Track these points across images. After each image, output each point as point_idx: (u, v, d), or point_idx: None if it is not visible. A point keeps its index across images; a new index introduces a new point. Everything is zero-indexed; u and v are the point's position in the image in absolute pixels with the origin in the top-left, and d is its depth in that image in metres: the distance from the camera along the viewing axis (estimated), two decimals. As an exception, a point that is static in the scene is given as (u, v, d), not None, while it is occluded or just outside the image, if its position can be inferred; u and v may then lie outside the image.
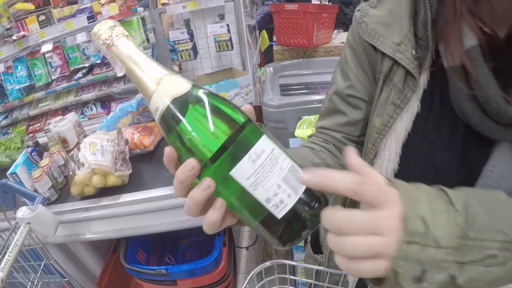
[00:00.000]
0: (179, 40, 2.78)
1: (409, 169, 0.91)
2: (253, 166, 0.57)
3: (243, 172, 0.57)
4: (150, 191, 2.04)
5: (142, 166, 2.27)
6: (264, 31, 4.50)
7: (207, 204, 0.60)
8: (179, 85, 0.60)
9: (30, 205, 1.88)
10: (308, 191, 0.60)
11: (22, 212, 1.81)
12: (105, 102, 3.13)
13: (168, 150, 0.60)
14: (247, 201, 0.59)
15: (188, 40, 2.79)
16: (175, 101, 0.59)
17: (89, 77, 2.94)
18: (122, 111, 2.45)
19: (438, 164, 0.87)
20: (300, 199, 0.59)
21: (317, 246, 1.39)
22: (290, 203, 0.59)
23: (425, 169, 0.89)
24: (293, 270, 2.35)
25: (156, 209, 2.02)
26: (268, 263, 1.20)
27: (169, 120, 0.59)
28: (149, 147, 2.30)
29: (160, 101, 0.59)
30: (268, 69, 3.07)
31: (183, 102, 0.59)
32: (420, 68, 0.85)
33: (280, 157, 0.60)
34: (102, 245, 2.76)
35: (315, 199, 0.62)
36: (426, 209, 0.59)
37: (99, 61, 2.87)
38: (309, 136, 1.19)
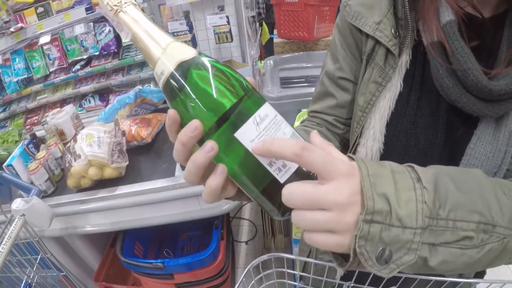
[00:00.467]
0: (178, 32, 2.76)
1: (393, 149, 0.93)
2: (257, 129, 0.57)
3: (247, 134, 0.57)
4: (147, 183, 2.01)
5: (140, 158, 2.25)
6: (264, 24, 4.49)
7: (207, 171, 0.59)
8: (185, 51, 0.60)
9: (26, 197, 1.85)
10: None
11: (17, 204, 1.80)
12: (103, 94, 3.11)
13: (172, 113, 0.59)
14: (250, 165, 0.59)
15: (187, 32, 2.76)
16: (181, 65, 0.59)
17: (87, 69, 2.92)
18: (120, 102, 2.42)
19: (421, 143, 0.89)
20: None
21: None
22: (293, 167, 0.59)
23: (408, 149, 0.91)
24: (292, 264, 2.32)
25: (153, 201, 1.99)
26: (265, 256, 1.18)
27: (174, 84, 0.59)
28: (146, 139, 2.27)
29: (166, 65, 0.59)
30: (268, 62, 3.05)
31: (189, 67, 0.59)
32: (401, 47, 0.87)
33: (282, 124, 0.60)
34: (99, 238, 2.74)
35: None
36: (390, 186, 0.56)
37: (97, 53, 2.85)
38: (302, 122, 1.20)
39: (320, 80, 1.13)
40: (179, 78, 0.58)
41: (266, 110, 0.59)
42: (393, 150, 0.93)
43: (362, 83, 0.95)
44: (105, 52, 2.85)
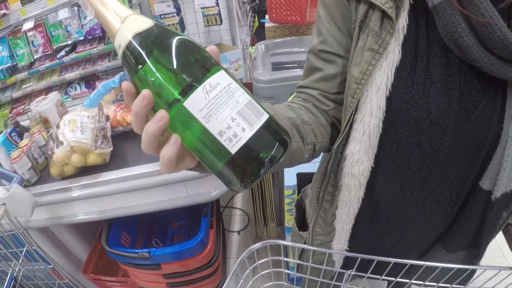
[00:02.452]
0: (165, 14, 2.70)
1: (403, 124, 0.86)
2: (206, 97, 0.57)
3: (196, 103, 0.57)
4: (132, 168, 1.95)
5: (125, 145, 2.19)
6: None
7: (164, 142, 0.59)
8: (142, 22, 0.61)
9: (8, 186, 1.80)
10: (267, 125, 0.60)
11: (-3, 192, 1.74)
12: (89, 81, 3.05)
13: (124, 84, 0.60)
14: (201, 136, 0.58)
15: (175, 14, 2.71)
16: (136, 35, 0.60)
17: (73, 55, 2.84)
18: (105, 87, 2.37)
19: (433, 114, 0.83)
20: (256, 133, 0.58)
21: (303, 224, 1.39)
22: (244, 137, 0.57)
23: (420, 121, 0.84)
24: (285, 253, 2.27)
25: (139, 187, 1.93)
26: (259, 244, 1.14)
27: (128, 55, 0.60)
28: (131, 123, 2.20)
29: (123, 37, 0.60)
30: (259, 46, 2.97)
31: (144, 36, 0.60)
32: (398, 10, 0.81)
33: (237, 92, 0.59)
34: (87, 230, 2.70)
35: (275, 133, 0.61)
36: None
37: (82, 38, 2.77)
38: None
39: (306, 57, 1.08)
40: (133, 49, 0.59)
41: (218, 78, 0.58)
42: (401, 124, 0.86)
43: (356, 52, 0.88)
44: (90, 37, 2.77)
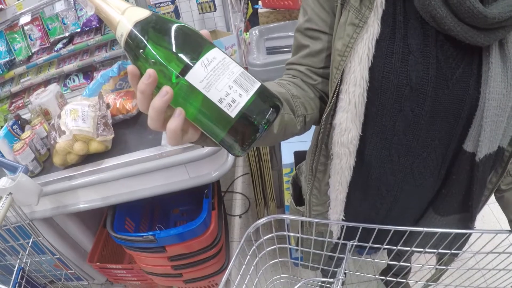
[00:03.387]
0: (160, 3, 2.73)
1: (385, 91, 0.93)
2: (205, 70, 0.63)
3: (197, 76, 0.63)
4: (134, 153, 1.99)
5: (126, 132, 2.22)
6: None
7: (169, 117, 0.65)
8: (141, 12, 0.67)
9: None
10: (260, 92, 0.66)
11: (3, 182, 1.78)
12: (87, 72, 3.07)
13: (130, 67, 0.65)
14: (203, 105, 0.65)
15: (170, 3, 2.73)
16: (136, 24, 0.66)
17: (70, 47, 2.87)
18: (104, 77, 2.39)
19: (413, 81, 0.89)
20: (251, 98, 0.64)
21: (300, 200, 1.45)
22: (241, 102, 0.64)
23: (401, 88, 0.91)
24: (287, 230, 2.32)
25: (141, 171, 1.97)
26: (265, 219, 1.20)
27: (130, 42, 0.66)
28: (132, 111, 2.24)
29: (124, 26, 0.66)
30: (253, 31, 2.98)
31: (143, 24, 0.66)
32: None
33: (231, 64, 0.65)
34: (91, 219, 2.73)
35: (267, 99, 0.68)
36: None
37: (79, 30, 2.80)
38: None
39: (294, 36, 1.13)
40: (135, 36, 0.65)
41: (214, 54, 0.65)
42: (384, 92, 0.93)
43: (339, 27, 0.94)
44: (87, 28, 2.80)
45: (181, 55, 0.64)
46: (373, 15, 0.88)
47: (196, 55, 0.64)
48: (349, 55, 0.93)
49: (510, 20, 0.77)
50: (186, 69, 0.63)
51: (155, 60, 0.64)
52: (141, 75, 0.64)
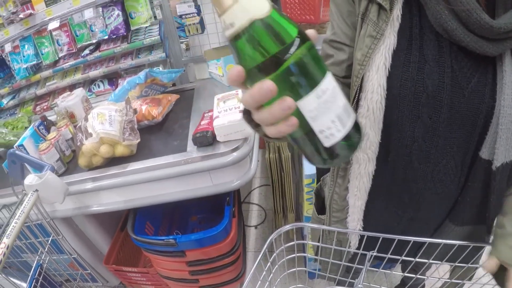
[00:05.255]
0: (186, 14, 2.77)
1: (403, 98, 0.99)
2: (317, 102, 0.62)
3: (308, 105, 0.62)
4: (159, 158, 2.02)
5: (151, 137, 2.26)
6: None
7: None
8: (260, 6, 0.58)
9: (39, 174, 1.87)
10: (354, 125, 0.68)
11: (30, 179, 1.81)
12: (112, 79, 3.12)
13: (238, 71, 0.60)
14: (304, 129, 0.65)
15: (196, 14, 2.77)
16: (254, 23, 0.57)
17: (96, 53, 2.92)
18: (130, 83, 2.44)
19: (429, 89, 0.96)
20: (346, 132, 0.66)
21: (322, 210, 1.48)
22: (338, 136, 0.65)
23: (418, 95, 0.97)
24: (302, 247, 2.33)
25: (165, 176, 2.00)
26: (288, 226, 1.22)
27: (244, 42, 0.58)
28: (157, 117, 2.29)
29: (238, 18, 0.57)
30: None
31: (264, 26, 0.58)
32: (392, 3, 0.95)
33: (338, 95, 0.65)
34: (109, 222, 2.76)
35: (357, 131, 0.69)
36: None
37: (106, 37, 2.85)
38: None
39: (321, 46, 1.21)
40: (250, 38, 0.58)
41: (327, 83, 0.62)
42: (402, 99, 0.99)
43: (359, 39, 1.02)
44: (114, 36, 2.85)
45: (300, 81, 0.60)
46: (389, 28, 0.97)
47: (313, 84, 0.61)
48: (368, 64, 1.00)
49: None
50: (300, 95, 0.61)
51: (271, 76, 0.59)
52: (248, 76, 0.60)
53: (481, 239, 1.17)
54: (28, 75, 3.03)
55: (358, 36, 1.03)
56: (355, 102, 1.06)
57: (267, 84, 0.57)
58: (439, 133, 0.99)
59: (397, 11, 0.96)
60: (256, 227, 3.50)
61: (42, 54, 2.93)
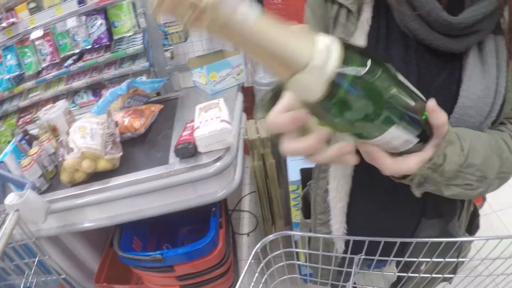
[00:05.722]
0: (170, 23, 2.74)
1: None
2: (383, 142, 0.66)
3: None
4: (141, 172, 1.98)
5: (134, 150, 2.22)
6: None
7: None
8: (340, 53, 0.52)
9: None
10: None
11: (11, 198, 1.76)
12: (96, 89, 3.09)
13: (302, 114, 0.61)
14: None
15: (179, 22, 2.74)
16: (354, 79, 0.52)
17: (80, 63, 2.89)
18: (112, 94, 2.40)
19: None
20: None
21: (308, 214, 1.47)
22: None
23: None
24: (295, 253, 2.31)
25: (149, 190, 1.96)
26: (272, 236, 1.19)
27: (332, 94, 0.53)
28: (140, 129, 2.24)
29: (328, 64, 0.51)
30: (262, 52, 3.02)
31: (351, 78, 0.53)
32: (361, 6, 0.98)
33: (403, 136, 0.67)
34: (97, 239, 2.71)
35: None
36: (451, 151, 0.80)
37: (89, 47, 2.82)
38: None
39: None
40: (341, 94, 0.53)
41: (392, 134, 0.63)
42: None
43: None
44: (97, 46, 2.82)
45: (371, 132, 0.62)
46: (359, 30, 0.98)
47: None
48: None
49: (477, 25, 0.85)
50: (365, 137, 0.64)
51: (346, 128, 0.60)
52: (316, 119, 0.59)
53: (447, 231, 1.24)
54: (11, 86, 2.98)
55: None
56: None
57: (348, 148, 0.65)
58: None
59: (367, 14, 0.98)
60: (248, 234, 3.46)
61: (25, 64, 2.90)
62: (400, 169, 0.78)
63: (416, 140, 0.71)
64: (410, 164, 0.78)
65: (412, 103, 0.63)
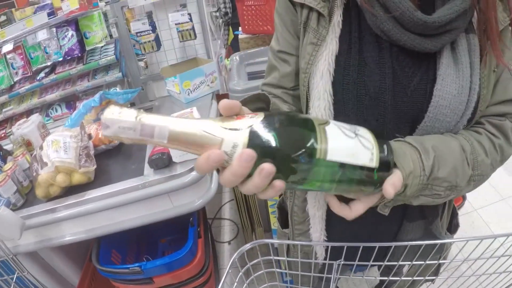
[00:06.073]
0: (141, 32, 2.72)
1: (347, 102, 1.00)
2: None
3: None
4: (116, 184, 1.97)
5: (109, 162, 2.21)
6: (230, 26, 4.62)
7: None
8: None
9: (-6, 210, 1.80)
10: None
11: (-17, 216, 1.74)
12: (69, 102, 3.04)
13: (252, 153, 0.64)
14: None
15: (150, 32, 2.73)
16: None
17: (52, 76, 2.84)
18: (85, 107, 2.38)
19: (371, 91, 0.97)
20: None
21: (286, 224, 1.45)
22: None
23: (361, 98, 0.99)
24: (276, 254, 2.31)
25: (125, 202, 1.94)
26: (248, 245, 1.19)
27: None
28: (114, 141, 2.23)
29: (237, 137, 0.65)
30: (234, 57, 3.01)
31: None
32: (332, 9, 0.98)
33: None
34: (77, 253, 2.67)
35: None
36: (410, 179, 0.86)
37: (61, 59, 2.78)
38: None
39: (268, 57, 1.24)
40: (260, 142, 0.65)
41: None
42: (347, 104, 1.00)
43: (302, 48, 1.05)
44: (69, 57, 2.78)
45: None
46: (331, 34, 0.98)
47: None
48: (312, 72, 1.02)
49: (451, 23, 0.86)
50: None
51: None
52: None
53: (431, 233, 1.25)
54: (-17, 102, 2.94)
55: (301, 45, 1.05)
56: (307, 112, 1.06)
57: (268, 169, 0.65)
58: (388, 131, 1.00)
59: (338, 17, 0.98)
60: (229, 242, 3.46)
61: (-3, 79, 2.85)
62: (360, 211, 0.89)
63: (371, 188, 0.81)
64: (371, 203, 0.89)
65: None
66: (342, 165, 0.72)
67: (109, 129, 0.58)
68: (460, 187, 0.94)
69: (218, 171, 0.72)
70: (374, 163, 0.76)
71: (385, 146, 0.81)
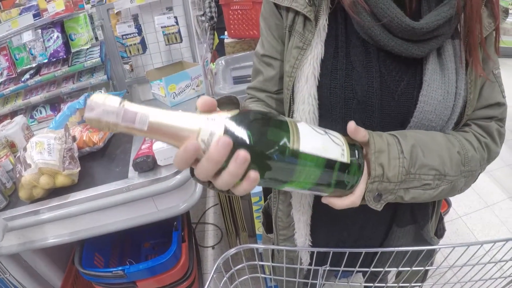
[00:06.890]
0: (127, 35, 2.71)
1: (335, 105, 1.01)
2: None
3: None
4: (101, 187, 1.96)
5: (93, 165, 2.19)
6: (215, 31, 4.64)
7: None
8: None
9: (-24, 212, 1.79)
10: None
11: (-35, 218, 1.73)
12: (54, 104, 3.02)
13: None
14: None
15: (136, 34, 2.72)
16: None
17: (37, 78, 2.81)
18: (70, 109, 2.37)
19: (358, 94, 0.98)
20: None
21: (270, 228, 1.45)
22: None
23: (348, 101, 1.00)
24: (260, 259, 2.31)
25: (108, 205, 1.94)
26: (233, 250, 1.19)
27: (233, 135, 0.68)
28: (98, 143, 2.22)
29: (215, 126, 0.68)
30: (220, 62, 3.02)
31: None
32: (318, 14, 0.98)
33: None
34: (59, 256, 2.65)
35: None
36: (385, 158, 0.88)
37: (46, 60, 2.76)
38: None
39: (253, 61, 1.24)
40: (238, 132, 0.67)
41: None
42: (334, 108, 1.01)
43: (287, 52, 1.05)
44: (54, 59, 2.76)
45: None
46: (316, 37, 0.99)
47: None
48: (297, 76, 1.02)
49: (438, 29, 0.88)
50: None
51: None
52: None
53: (422, 238, 1.26)
54: (-31, 103, 2.92)
55: (287, 49, 1.05)
56: (290, 115, 1.06)
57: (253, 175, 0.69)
58: None
59: (324, 21, 0.99)
60: (213, 247, 3.46)
61: (-18, 81, 2.83)
62: (345, 203, 0.89)
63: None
64: (354, 195, 0.88)
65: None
66: (315, 158, 0.75)
67: (93, 112, 0.60)
68: (450, 177, 0.95)
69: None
70: (345, 158, 0.80)
71: (355, 146, 0.85)
